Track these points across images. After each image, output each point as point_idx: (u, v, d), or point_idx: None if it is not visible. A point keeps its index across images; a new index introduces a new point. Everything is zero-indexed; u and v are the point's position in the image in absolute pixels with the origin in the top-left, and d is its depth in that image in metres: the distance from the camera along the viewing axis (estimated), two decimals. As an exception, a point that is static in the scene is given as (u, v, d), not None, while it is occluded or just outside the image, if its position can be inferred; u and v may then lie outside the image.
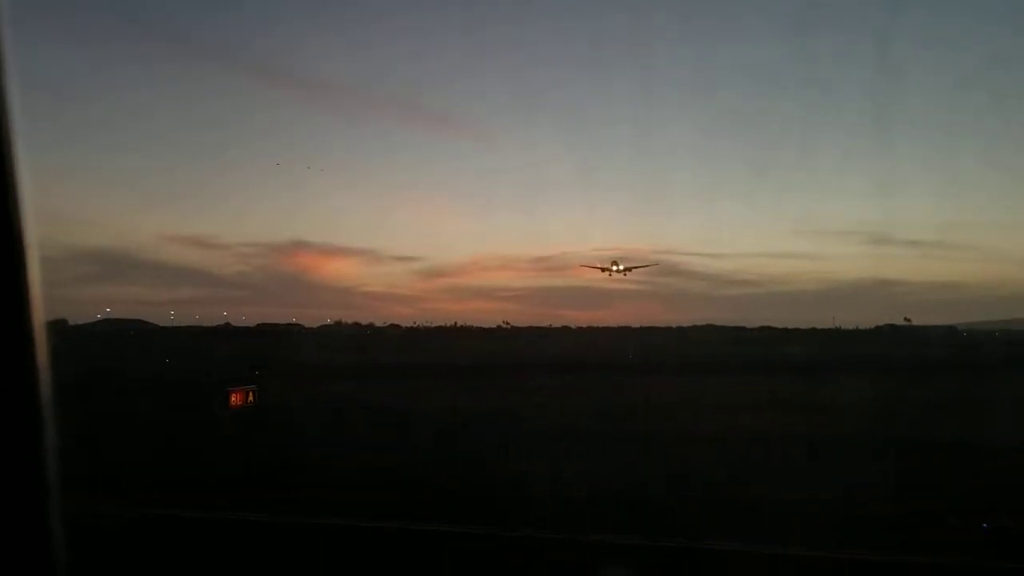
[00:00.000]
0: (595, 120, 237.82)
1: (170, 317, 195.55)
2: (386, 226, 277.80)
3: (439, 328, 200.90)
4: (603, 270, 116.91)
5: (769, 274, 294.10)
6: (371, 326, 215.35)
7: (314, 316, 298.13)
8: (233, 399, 54.55)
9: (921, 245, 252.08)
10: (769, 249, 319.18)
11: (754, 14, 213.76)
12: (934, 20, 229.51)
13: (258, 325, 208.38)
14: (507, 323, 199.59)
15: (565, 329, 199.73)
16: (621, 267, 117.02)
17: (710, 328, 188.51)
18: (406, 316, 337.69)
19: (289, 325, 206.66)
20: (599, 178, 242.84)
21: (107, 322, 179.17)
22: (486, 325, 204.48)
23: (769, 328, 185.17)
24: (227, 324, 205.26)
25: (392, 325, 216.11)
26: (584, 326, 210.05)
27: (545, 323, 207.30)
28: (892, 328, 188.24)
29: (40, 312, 2.99)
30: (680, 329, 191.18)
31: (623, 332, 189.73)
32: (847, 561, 18.20)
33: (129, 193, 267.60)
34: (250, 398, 55.95)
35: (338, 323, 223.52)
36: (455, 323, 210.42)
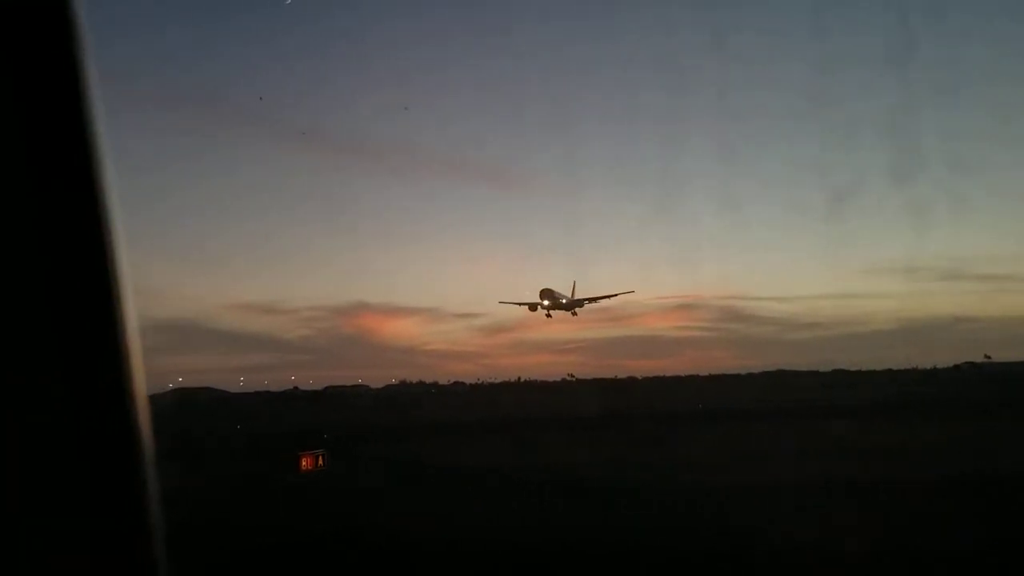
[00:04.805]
0: (653, 168, 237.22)
1: (240, 383, 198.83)
2: (446, 284, 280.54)
3: (504, 384, 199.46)
4: (532, 308, 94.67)
5: (838, 316, 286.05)
6: (435, 384, 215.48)
7: (379, 376, 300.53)
8: (303, 463, 54.64)
9: (994, 279, 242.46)
10: (837, 290, 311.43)
11: (819, 54, 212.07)
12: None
13: (325, 388, 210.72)
14: (571, 375, 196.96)
15: (631, 379, 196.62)
16: (564, 301, 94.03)
17: (780, 373, 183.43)
18: (469, 373, 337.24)
19: (355, 387, 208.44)
20: (660, 227, 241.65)
21: (178, 391, 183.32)
22: (550, 379, 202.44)
23: (843, 371, 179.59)
24: (295, 388, 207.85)
25: (456, 382, 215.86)
26: (650, 375, 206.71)
27: (610, 374, 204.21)
28: (972, 366, 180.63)
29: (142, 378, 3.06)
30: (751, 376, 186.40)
31: (691, 381, 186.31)
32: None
33: (192, 262, 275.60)
34: (320, 462, 55.97)
35: (402, 382, 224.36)
36: (519, 378, 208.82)
